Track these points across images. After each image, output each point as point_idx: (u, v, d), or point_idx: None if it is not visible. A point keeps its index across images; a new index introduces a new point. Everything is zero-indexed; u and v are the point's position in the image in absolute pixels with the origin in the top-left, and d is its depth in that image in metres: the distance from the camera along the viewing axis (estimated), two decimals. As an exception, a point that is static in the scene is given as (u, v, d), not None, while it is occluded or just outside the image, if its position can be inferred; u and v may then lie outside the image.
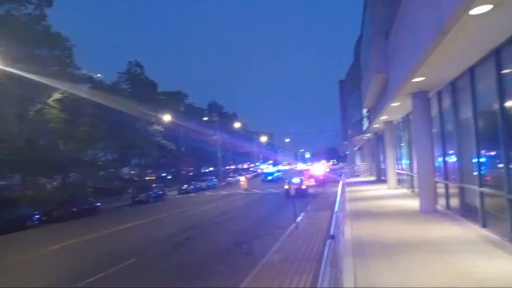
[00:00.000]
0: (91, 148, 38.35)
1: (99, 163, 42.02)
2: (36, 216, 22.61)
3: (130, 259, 11.35)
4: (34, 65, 25.58)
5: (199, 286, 8.58)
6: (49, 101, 30.39)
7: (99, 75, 38.24)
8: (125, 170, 63.45)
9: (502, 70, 7.64)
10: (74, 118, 32.69)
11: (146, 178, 53.80)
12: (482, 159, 9.18)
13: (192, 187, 42.75)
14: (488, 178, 8.97)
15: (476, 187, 9.31)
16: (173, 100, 52.68)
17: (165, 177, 60.37)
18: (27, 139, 28.29)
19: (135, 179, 51.85)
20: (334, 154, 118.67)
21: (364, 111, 31.24)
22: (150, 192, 33.86)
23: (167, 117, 44.83)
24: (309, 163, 73.31)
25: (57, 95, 30.27)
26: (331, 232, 4.99)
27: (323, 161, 43.89)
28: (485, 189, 8.91)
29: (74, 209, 25.21)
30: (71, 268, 11.31)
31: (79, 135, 33.29)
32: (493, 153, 8.80)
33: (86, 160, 37.03)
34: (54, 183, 36.77)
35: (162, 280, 9.34)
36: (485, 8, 5.64)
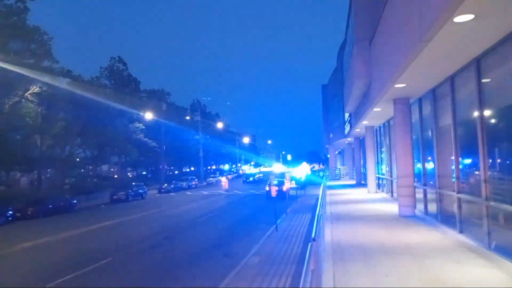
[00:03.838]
0: (69, 144, 37.44)
1: (77, 160, 41.12)
2: (9, 213, 21.91)
3: (106, 259, 11.09)
4: (10, 57, 24.81)
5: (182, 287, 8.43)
6: (26, 94, 29.53)
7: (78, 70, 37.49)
8: (104, 167, 62.34)
9: (482, 79, 7.80)
10: (51, 113, 31.88)
11: (128, 175, 52.98)
12: (461, 166, 9.36)
13: (172, 186, 42.33)
14: (466, 184, 9.15)
15: (454, 193, 9.49)
16: (155, 98, 52.03)
17: (145, 175, 59.58)
18: (1, 133, 27.36)
19: (115, 176, 50.98)
20: (315, 157, 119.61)
21: (346, 115, 31.57)
22: (130, 191, 33.29)
23: (148, 115, 44.23)
24: (290, 168, 73.58)
25: (34, 89, 29.45)
26: (313, 235, 4.96)
27: (305, 163, 43.97)
28: (462, 195, 9.08)
29: (50, 206, 24.55)
30: (43, 267, 10.94)
31: (56, 130, 32.44)
32: (471, 160, 8.98)
33: (63, 157, 36.13)
34: (30, 179, 35.78)
35: (137, 281, 9.14)
36: (467, 17, 5.73)
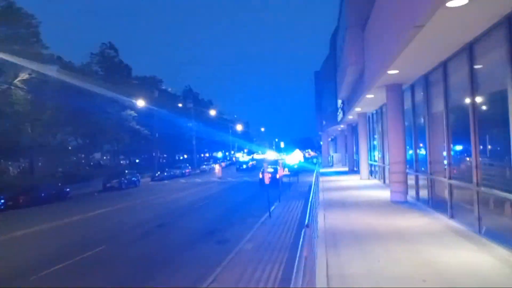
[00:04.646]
0: (60, 132, 37.03)
1: (68, 148, 40.77)
2: (1, 201, 21.75)
3: (99, 247, 11.06)
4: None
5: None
6: (15, 81, 29.02)
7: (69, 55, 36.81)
8: (97, 155, 61.99)
9: (474, 65, 7.80)
10: (41, 100, 31.40)
11: (121, 163, 52.73)
12: (452, 152, 9.42)
13: (166, 174, 42.21)
14: (457, 170, 9.23)
15: (445, 179, 9.57)
16: (147, 85, 51.44)
17: (138, 163, 59.34)
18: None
19: (108, 164, 50.70)
20: (309, 144, 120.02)
21: (339, 102, 31.55)
22: (123, 178, 33.14)
23: (140, 102, 43.78)
24: (283, 155, 73.75)
25: (23, 76, 28.93)
26: (306, 221, 4.97)
27: (298, 151, 44.05)
28: (454, 181, 9.16)
29: (42, 195, 24.38)
30: (34, 256, 10.87)
31: (47, 118, 32.01)
32: (462, 146, 9.04)
33: (54, 145, 35.75)
34: (21, 167, 35.45)
35: (130, 268, 9.16)
36: (460, 2, 5.68)
